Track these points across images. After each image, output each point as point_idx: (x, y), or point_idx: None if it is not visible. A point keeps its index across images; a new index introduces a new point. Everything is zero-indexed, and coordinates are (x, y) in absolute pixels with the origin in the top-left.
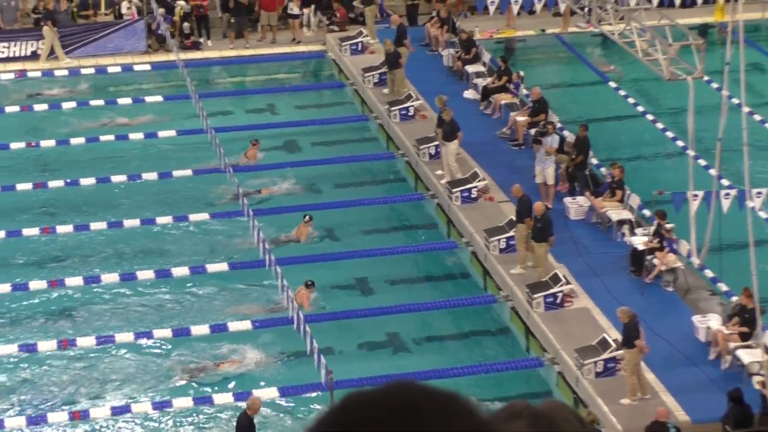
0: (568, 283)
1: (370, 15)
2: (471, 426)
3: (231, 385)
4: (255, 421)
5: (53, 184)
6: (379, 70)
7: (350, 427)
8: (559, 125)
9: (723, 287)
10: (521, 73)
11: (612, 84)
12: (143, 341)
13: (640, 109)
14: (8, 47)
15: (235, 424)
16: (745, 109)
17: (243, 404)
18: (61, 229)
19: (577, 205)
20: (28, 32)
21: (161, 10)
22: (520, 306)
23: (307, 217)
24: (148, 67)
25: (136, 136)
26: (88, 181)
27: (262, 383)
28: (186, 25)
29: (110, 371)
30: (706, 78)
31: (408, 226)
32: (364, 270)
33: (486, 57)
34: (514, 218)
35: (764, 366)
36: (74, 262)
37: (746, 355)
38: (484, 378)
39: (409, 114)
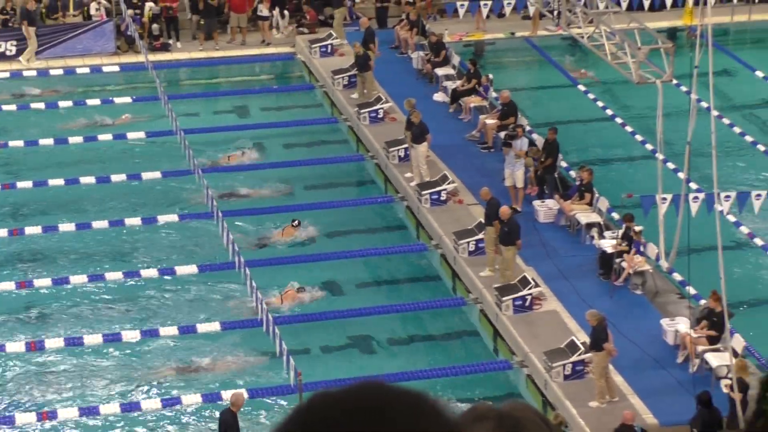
0: (537, 285)
1: (338, 17)
2: (438, 427)
3: (199, 386)
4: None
5: (21, 185)
6: (349, 72)
7: (315, 427)
8: (528, 128)
9: (691, 291)
10: (490, 76)
11: (581, 87)
12: (112, 343)
13: (609, 112)
14: None
15: (218, 421)
16: (714, 113)
17: (219, 403)
18: (30, 230)
19: (546, 208)
20: None
21: (130, 12)
22: (489, 309)
23: (296, 222)
24: (116, 68)
25: (105, 137)
26: (56, 182)
27: (231, 385)
28: (155, 26)
29: (79, 372)
30: (675, 81)
31: (377, 228)
32: (334, 272)
33: (455, 60)
34: (483, 221)
35: (732, 370)
36: (43, 263)
37: (714, 359)
38: (452, 380)
39: (379, 116)
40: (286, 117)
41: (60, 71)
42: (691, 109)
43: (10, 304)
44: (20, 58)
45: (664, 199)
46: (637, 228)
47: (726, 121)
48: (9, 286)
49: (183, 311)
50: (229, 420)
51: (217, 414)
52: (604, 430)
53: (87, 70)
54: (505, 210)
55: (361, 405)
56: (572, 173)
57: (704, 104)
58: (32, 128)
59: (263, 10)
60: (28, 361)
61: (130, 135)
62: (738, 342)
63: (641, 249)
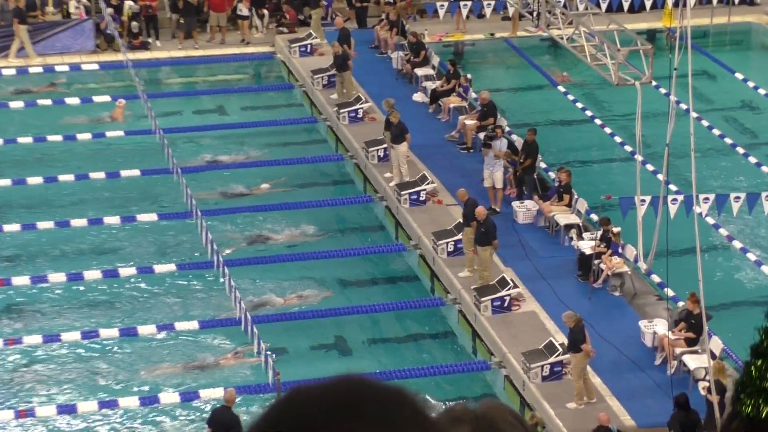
0: (515, 286)
1: (316, 18)
2: (415, 427)
3: (178, 385)
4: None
5: (0, 182)
6: (328, 72)
7: (290, 424)
8: (507, 129)
9: (669, 292)
10: (468, 76)
11: (561, 88)
12: (88, 340)
13: (589, 113)
14: None
15: (208, 419)
16: (693, 115)
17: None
18: (8, 228)
19: (525, 209)
20: None
21: (109, 10)
22: (467, 309)
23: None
24: (96, 66)
25: (84, 136)
26: (35, 180)
27: (210, 384)
28: (134, 24)
29: (57, 370)
30: (654, 83)
31: (356, 228)
32: (313, 272)
33: (435, 60)
34: (461, 221)
35: (710, 372)
36: (21, 261)
37: (692, 361)
38: (431, 380)
39: (358, 116)
40: (266, 116)
41: (39, 69)
42: (671, 110)
43: None
44: (18, 56)
45: (643, 200)
46: (615, 229)
47: (705, 123)
48: None
49: (161, 310)
50: (226, 416)
51: (203, 413)
52: (582, 430)
53: (66, 68)
54: (481, 210)
55: (338, 401)
56: (551, 174)
57: (683, 106)
58: (11, 126)
59: (243, 9)
60: (5, 358)
61: (109, 134)
62: (716, 344)
63: (619, 250)
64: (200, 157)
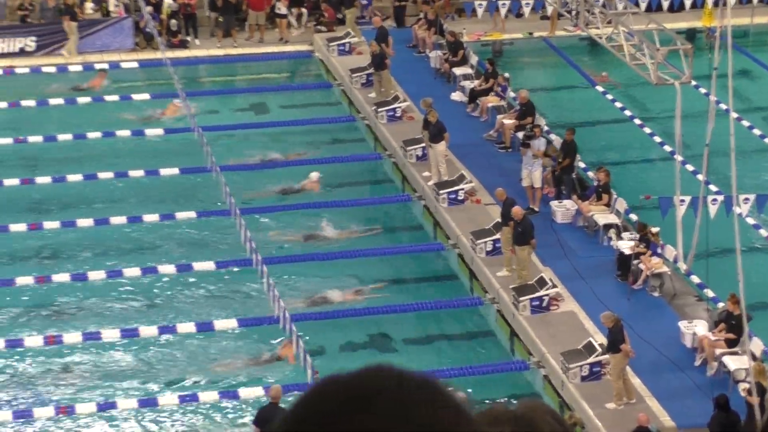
0: (554, 286)
1: (350, 17)
2: (458, 426)
3: (216, 383)
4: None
5: (40, 180)
6: (367, 71)
7: (310, 419)
8: (546, 128)
9: (710, 293)
10: (506, 75)
11: (599, 88)
12: (128, 338)
13: (628, 113)
14: None
15: (255, 418)
16: (733, 115)
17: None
18: (48, 225)
19: (563, 209)
20: (15, 28)
21: (149, 8)
22: (506, 309)
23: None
24: (135, 64)
25: (123, 133)
26: (75, 178)
27: (248, 382)
28: (173, 22)
29: (95, 368)
30: (693, 83)
31: (394, 227)
32: (351, 270)
33: (473, 59)
34: (500, 221)
35: (750, 373)
36: (61, 258)
37: (732, 362)
38: (469, 380)
39: (397, 115)
40: (304, 115)
41: (79, 67)
42: (710, 110)
43: (28, 299)
44: (62, 51)
45: (683, 200)
46: (654, 229)
47: (745, 123)
48: (28, 281)
49: (200, 308)
50: (274, 414)
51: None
52: (621, 431)
53: (105, 66)
54: (517, 210)
55: (353, 394)
56: (590, 174)
57: (723, 106)
58: (50, 124)
59: (281, 8)
60: (45, 355)
61: (148, 132)
62: (757, 345)
63: (658, 251)
64: (239, 156)
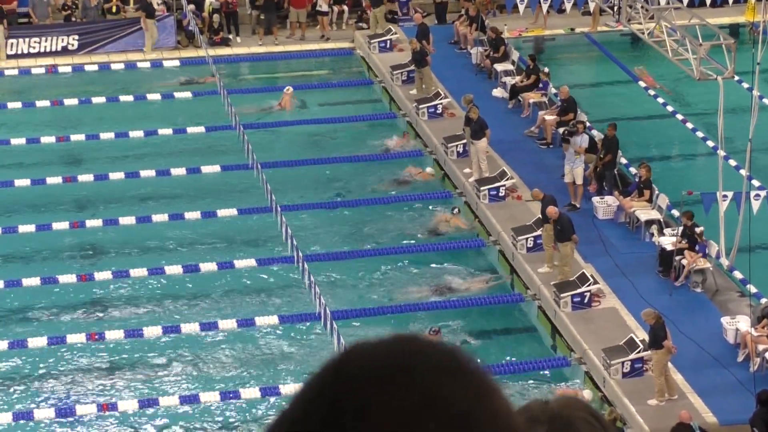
0: (595, 282)
1: (379, 16)
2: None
3: (258, 379)
4: None
5: (82, 178)
6: (408, 68)
7: (339, 395)
8: (588, 124)
9: (752, 289)
10: (546, 69)
11: (641, 83)
12: (170, 335)
13: (670, 108)
14: (39, 42)
15: None
16: None
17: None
18: (90, 223)
19: (605, 205)
20: (58, 27)
21: (191, 6)
22: (547, 305)
23: (456, 210)
24: (177, 63)
25: (165, 131)
26: (117, 176)
27: (289, 379)
28: (216, 17)
29: (138, 365)
30: (736, 78)
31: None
32: (391, 266)
33: (515, 55)
34: (541, 217)
35: None
36: (104, 256)
37: None
38: (510, 377)
39: (438, 112)
40: (345, 112)
41: (121, 65)
42: (753, 105)
43: (72, 297)
44: (143, 49)
45: (725, 196)
46: (699, 229)
47: None
48: (71, 279)
49: (241, 304)
50: None
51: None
52: (663, 428)
53: (147, 64)
54: (552, 210)
55: (389, 369)
56: (632, 170)
57: (766, 101)
58: (96, 122)
59: (322, 5)
60: (87, 352)
61: (190, 130)
62: None
63: (705, 250)
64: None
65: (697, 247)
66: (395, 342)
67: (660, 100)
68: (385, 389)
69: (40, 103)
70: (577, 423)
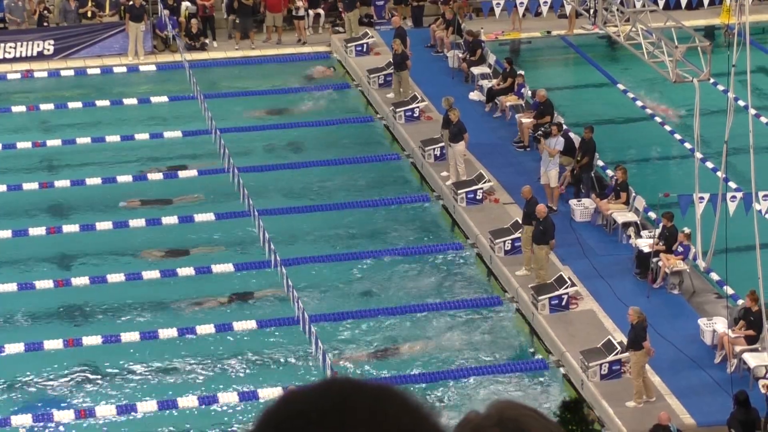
0: (573, 285)
1: (353, 20)
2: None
3: (236, 384)
4: None
5: (59, 183)
6: (385, 71)
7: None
8: (564, 127)
9: (729, 290)
10: (521, 72)
11: (620, 86)
12: (147, 341)
13: (647, 111)
14: (15, 47)
15: None
16: (752, 112)
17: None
18: (67, 228)
19: (582, 207)
20: (34, 32)
21: (166, 11)
22: (525, 308)
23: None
24: (153, 67)
25: (142, 136)
26: (93, 181)
27: (267, 382)
28: (193, 21)
29: (116, 370)
30: (712, 80)
31: (413, 227)
32: (369, 271)
33: (491, 59)
34: (519, 220)
35: None
36: (81, 261)
37: (752, 359)
38: (488, 379)
39: (415, 115)
40: (322, 116)
41: (97, 70)
42: (729, 107)
43: (48, 302)
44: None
45: (702, 198)
46: (686, 230)
47: (764, 119)
48: (47, 284)
49: (219, 309)
50: None
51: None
52: (641, 430)
53: (123, 69)
54: (541, 208)
55: (327, 406)
56: (609, 172)
57: (742, 103)
58: (70, 127)
59: (299, 10)
60: (63, 358)
61: (167, 134)
62: None
63: (689, 250)
64: (256, 156)
65: (680, 248)
66: (331, 385)
67: (638, 103)
68: (329, 425)
69: (15, 109)
70: (526, 421)
